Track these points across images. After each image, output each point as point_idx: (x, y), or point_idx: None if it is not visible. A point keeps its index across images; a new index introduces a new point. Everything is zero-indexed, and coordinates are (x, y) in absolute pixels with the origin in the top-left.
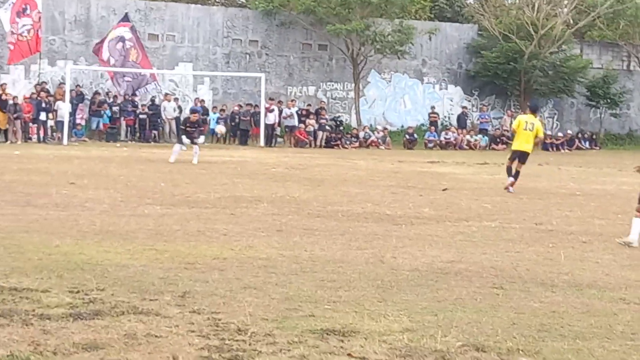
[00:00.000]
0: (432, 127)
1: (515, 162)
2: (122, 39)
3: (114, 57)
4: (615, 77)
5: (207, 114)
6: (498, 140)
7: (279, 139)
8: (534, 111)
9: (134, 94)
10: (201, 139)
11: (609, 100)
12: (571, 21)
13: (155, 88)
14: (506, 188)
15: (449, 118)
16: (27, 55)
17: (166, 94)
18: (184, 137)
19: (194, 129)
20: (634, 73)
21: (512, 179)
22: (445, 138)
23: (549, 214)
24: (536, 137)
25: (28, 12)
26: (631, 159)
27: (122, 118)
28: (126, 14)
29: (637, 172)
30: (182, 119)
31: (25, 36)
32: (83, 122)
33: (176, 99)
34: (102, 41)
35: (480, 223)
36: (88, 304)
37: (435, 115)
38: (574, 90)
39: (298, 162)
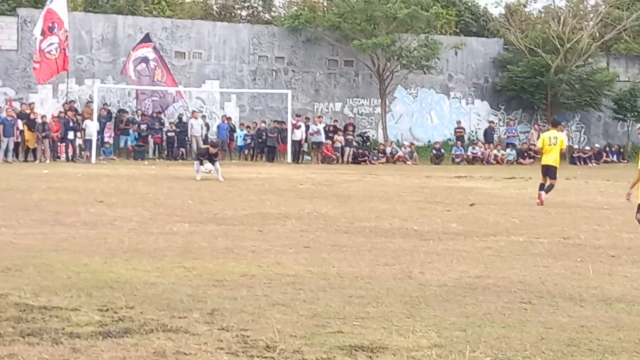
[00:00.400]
0: (459, 142)
1: (547, 178)
2: (145, 60)
3: (137, 78)
4: (638, 89)
5: (235, 131)
6: (525, 154)
7: (307, 156)
8: (556, 125)
9: (160, 112)
10: (210, 166)
11: (636, 113)
12: (597, 34)
13: (182, 105)
14: (538, 203)
15: (475, 133)
16: (55, 74)
17: (193, 112)
18: (199, 164)
19: (211, 160)
20: None
21: (542, 192)
22: (472, 153)
23: (577, 228)
24: (560, 149)
25: (55, 30)
26: None
27: (150, 136)
28: (147, 34)
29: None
30: (198, 147)
31: (53, 54)
32: (111, 141)
33: (203, 117)
34: (126, 61)
35: (508, 238)
36: (117, 322)
37: (462, 130)
38: (600, 103)
39: (325, 178)
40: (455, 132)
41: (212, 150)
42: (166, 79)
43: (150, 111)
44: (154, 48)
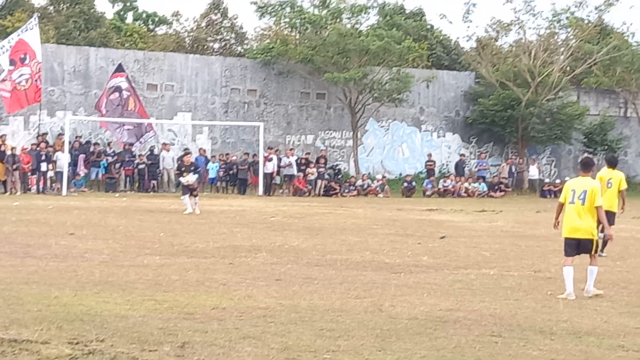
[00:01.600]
0: (431, 176)
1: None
2: (119, 89)
3: (111, 107)
4: (612, 123)
5: (207, 163)
6: (496, 187)
7: (281, 190)
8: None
9: (131, 145)
10: (192, 177)
11: (606, 147)
12: (568, 68)
13: (153, 137)
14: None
15: (447, 165)
16: (25, 105)
17: (164, 144)
18: (185, 196)
19: (189, 171)
20: (631, 119)
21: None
22: (443, 186)
23: (547, 261)
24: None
25: (27, 61)
26: (629, 206)
27: (122, 168)
28: (120, 64)
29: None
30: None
31: (23, 85)
32: (83, 173)
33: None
34: (102, 95)
35: (479, 271)
36: (87, 355)
37: (432, 164)
38: (571, 137)
39: (296, 211)
40: (426, 165)
41: (187, 159)
42: (138, 109)
43: (125, 139)
44: (127, 78)
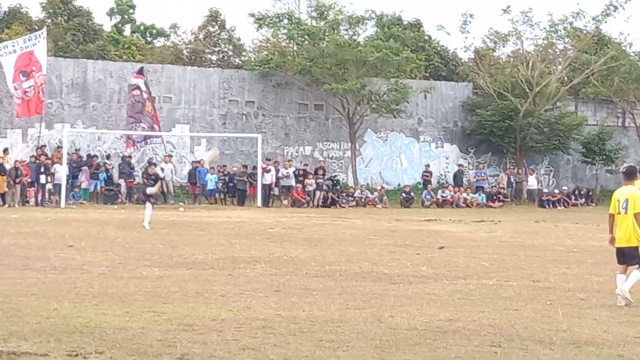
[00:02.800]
0: (429, 186)
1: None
2: (138, 87)
3: (132, 101)
4: (610, 133)
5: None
6: (495, 197)
7: (283, 201)
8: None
9: (129, 157)
10: (150, 189)
11: (604, 157)
12: (565, 78)
13: (160, 145)
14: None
15: (445, 176)
16: (29, 115)
17: (166, 156)
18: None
19: (152, 183)
20: (629, 129)
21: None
22: (442, 196)
23: (547, 271)
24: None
25: (34, 73)
26: None
27: (123, 180)
28: (141, 67)
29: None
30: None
31: (29, 96)
32: (84, 186)
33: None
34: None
35: (478, 281)
36: None
37: (428, 175)
38: (569, 147)
39: (295, 222)
40: (423, 176)
41: (151, 170)
42: (153, 114)
43: (142, 139)
44: (145, 82)
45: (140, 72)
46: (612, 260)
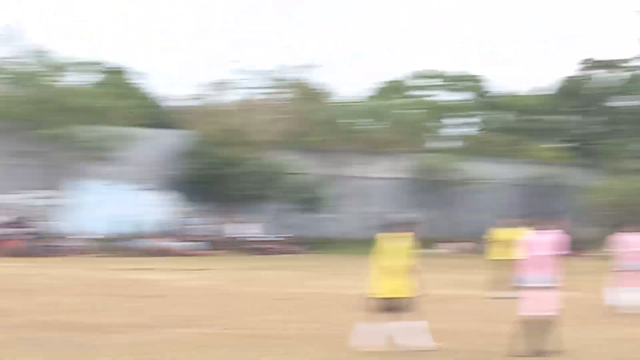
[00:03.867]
0: (143, 233)
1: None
2: None
3: None
4: (322, 181)
5: None
6: (208, 245)
7: None
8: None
9: None
10: None
11: (316, 205)
12: (280, 127)
13: None
14: None
15: (158, 224)
16: None
17: None
18: None
19: None
20: (341, 178)
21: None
22: (155, 244)
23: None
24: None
25: None
26: (336, 263)
27: None
28: None
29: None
30: None
31: None
32: None
33: None
34: None
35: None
36: None
37: (137, 223)
38: (281, 194)
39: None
40: (133, 223)
41: None
42: None
43: None
44: None
45: None
46: (313, 306)
